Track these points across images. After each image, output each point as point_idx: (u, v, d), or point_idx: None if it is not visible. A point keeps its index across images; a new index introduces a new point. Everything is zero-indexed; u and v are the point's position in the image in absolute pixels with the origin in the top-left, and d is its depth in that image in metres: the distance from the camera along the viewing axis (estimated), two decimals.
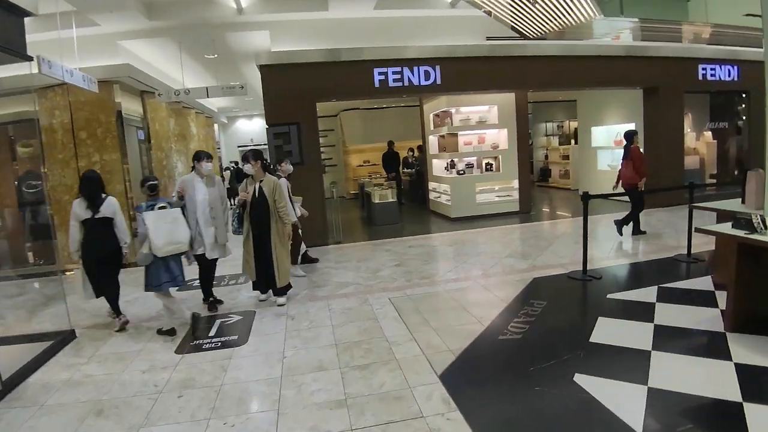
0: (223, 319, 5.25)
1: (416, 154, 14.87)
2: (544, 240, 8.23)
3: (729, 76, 11.49)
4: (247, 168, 5.32)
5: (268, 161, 7.25)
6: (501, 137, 11.15)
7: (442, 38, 9.46)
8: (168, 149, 11.22)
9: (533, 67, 9.86)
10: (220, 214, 5.40)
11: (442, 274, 6.50)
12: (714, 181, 12.05)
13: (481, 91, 10.26)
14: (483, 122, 11.09)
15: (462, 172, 10.98)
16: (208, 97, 9.53)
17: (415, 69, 9.23)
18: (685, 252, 6.57)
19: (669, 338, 4.04)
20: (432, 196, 12.44)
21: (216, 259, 5.56)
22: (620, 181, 8.29)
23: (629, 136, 8.40)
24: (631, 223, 8.18)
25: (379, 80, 9.08)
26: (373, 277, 6.55)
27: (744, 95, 12.06)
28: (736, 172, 12.33)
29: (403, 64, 9.16)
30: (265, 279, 5.50)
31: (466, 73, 9.49)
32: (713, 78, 11.34)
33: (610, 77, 10.41)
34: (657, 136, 11.05)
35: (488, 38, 9.69)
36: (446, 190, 11.36)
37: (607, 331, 4.24)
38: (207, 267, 5.55)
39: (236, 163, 19.97)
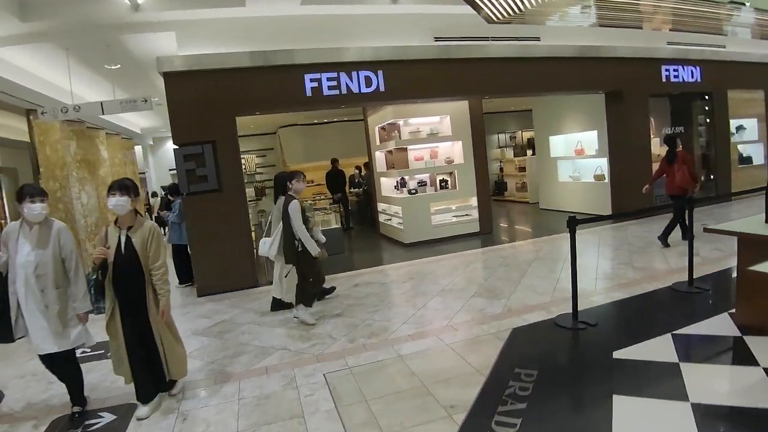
0: (88, 422, 3.60)
1: (363, 172, 13.50)
2: (514, 269, 6.98)
3: (692, 77, 10.81)
4: (114, 203, 3.48)
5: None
6: (456, 150, 9.95)
7: (384, 39, 8.18)
8: (64, 178, 9.34)
9: (488, 71, 8.72)
10: (51, 286, 3.43)
11: (396, 327, 5.06)
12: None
13: (432, 99, 9.03)
14: (435, 134, 9.86)
15: (414, 191, 9.67)
16: (103, 113, 7.79)
17: (354, 74, 7.88)
18: (685, 279, 5.45)
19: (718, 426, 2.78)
20: (382, 218, 11.06)
21: (66, 352, 3.61)
22: (650, 186, 8.03)
23: (672, 140, 7.71)
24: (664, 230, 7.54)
25: (312, 88, 7.66)
26: (306, 337, 5.04)
27: (706, 97, 11.41)
28: (709, 178, 11.66)
29: (339, 69, 7.79)
30: (150, 378, 3.69)
31: (413, 78, 8.23)
32: (677, 80, 10.62)
33: (570, 81, 9.43)
34: (622, 143, 10.15)
35: (437, 39, 8.49)
36: (397, 212, 10.00)
37: (632, 425, 2.92)
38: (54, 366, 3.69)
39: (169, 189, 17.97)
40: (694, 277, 5.39)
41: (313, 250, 5.23)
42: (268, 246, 5.62)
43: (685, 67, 10.69)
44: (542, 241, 8.84)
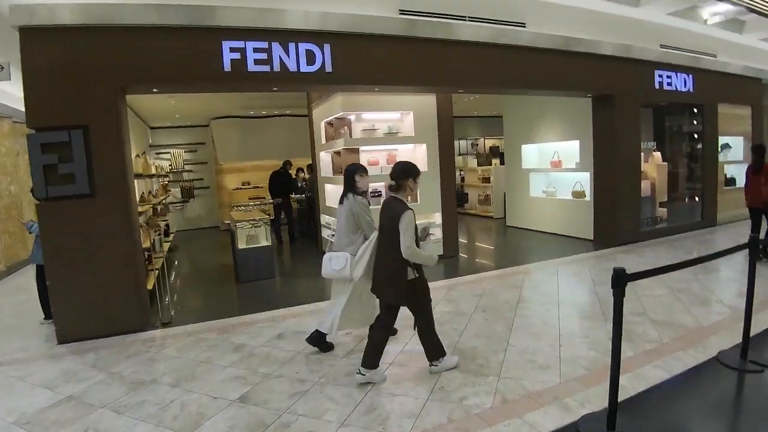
0: None
1: (306, 175, 11.50)
2: (495, 317, 5.20)
3: (685, 86, 9.51)
4: None
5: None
6: (419, 155, 8.15)
7: (335, 3, 6.26)
8: None
9: (462, 58, 6.97)
10: None
11: None
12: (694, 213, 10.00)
13: (392, 88, 7.20)
14: (394, 134, 8.03)
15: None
16: None
17: (292, 47, 5.90)
18: (736, 346, 3.85)
19: None
20: (326, 234, 9.09)
21: None
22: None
23: (761, 150, 7.35)
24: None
25: (232, 60, 5.62)
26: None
27: (695, 110, 10.18)
28: (695, 197, 10.45)
29: (271, 38, 5.79)
30: None
31: (369, 59, 6.36)
32: (670, 88, 9.28)
33: (556, 79, 7.83)
34: (610, 156, 8.68)
35: (402, 12, 6.66)
36: None
37: None
38: None
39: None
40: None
41: (430, 260, 3.70)
42: (342, 263, 4.12)
43: (678, 75, 9.37)
44: (520, 272, 7.16)
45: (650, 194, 9.84)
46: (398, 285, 3.58)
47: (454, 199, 8.54)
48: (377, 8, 6.47)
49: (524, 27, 7.47)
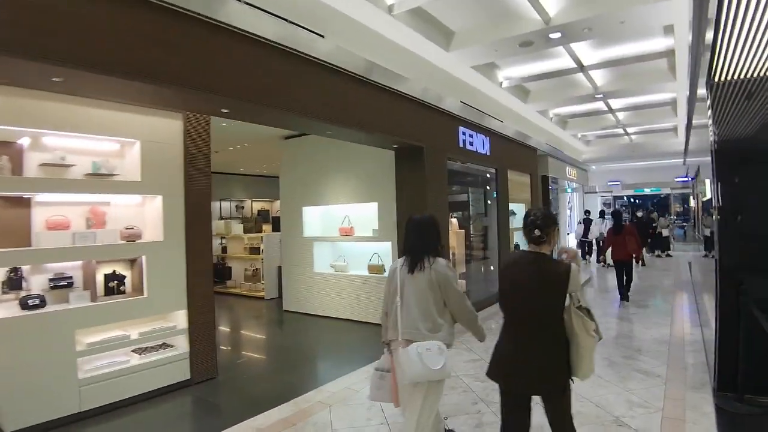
0: None
1: None
2: None
3: (483, 147, 8.56)
4: None
5: None
6: (148, 214, 4.93)
7: None
8: None
9: (229, 55, 4.24)
10: None
11: None
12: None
13: (102, 92, 3.99)
14: (105, 176, 4.67)
15: (38, 300, 4.13)
16: None
17: None
18: None
19: None
20: None
21: None
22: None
23: (619, 215, 8.15)
24: None
25: None
26: None
27: (488, 174, 9.39)
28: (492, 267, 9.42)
29: None
30: None
31: (63, 22, 3.13)
32: (471, 147, 8.16)
33: (356, 116, 5.68)
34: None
35: None
36: None
37: None
38: None
39: None
40: None
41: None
42: (442, 359, 2.76)
43: (477, 135, 8.39)
44: (315, 410, 4.41)
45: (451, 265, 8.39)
46: (559, 375, 2.57)
47: (210, 283, 5.42)
48: None
49: (322, 38, 5.20)
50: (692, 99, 8.06)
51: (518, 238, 10.79)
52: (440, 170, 7.22)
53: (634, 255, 8.66)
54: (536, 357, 2.57)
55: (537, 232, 2.63)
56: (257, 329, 8.20)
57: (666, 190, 21.30)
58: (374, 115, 5.93)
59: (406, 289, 2.99)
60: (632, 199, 24.14)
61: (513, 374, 2.64)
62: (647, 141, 16.54)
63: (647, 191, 22.59)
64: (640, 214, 13.14)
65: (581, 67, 8.54)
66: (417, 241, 3.07)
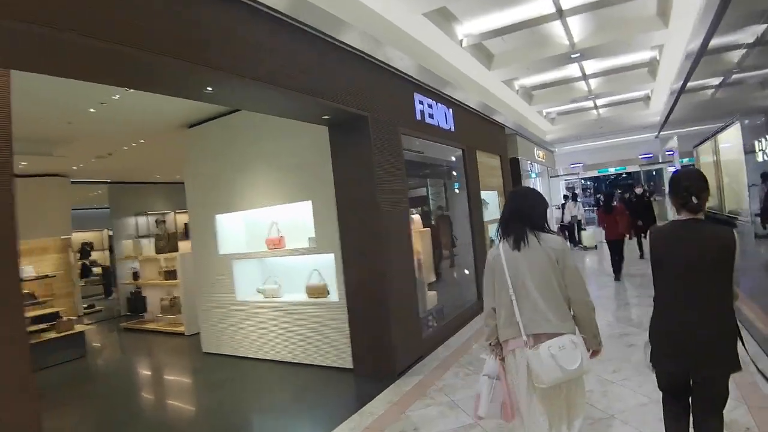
0: None
1: None
2: None
3: (446, 122, 6.66)
4: None
5: None
6: None
7: None
8: None
9: None
10: None
11: None
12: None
13: None
14: None
15: None
16: None
17: None
18: None
19: None
20: None
21: None
22: None
23: (610, 196, 8.12)
24: None
25: None
26: None
27: (453, 157, 7.50)
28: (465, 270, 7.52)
29: None
30: None
31: None
32: (432, 121, 6.24)
33: (271, 67, 3.61)
34: (369, 221, 4.88)
35: None
36: None
37: None
38: None
39: None
40: None
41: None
42: (578, 356, 2.36)
43: (438, 106, 6.48)
44: None
45: (417, 275, 6.42)
46: (733, 348, 2.34)
47: (26, 360, 3.19)
48: None
49: None
50: (701, 50, 6.46)
51: (492, 232, 8.98)
52: (393, 149, 5.24)
53: (626, 234, 8.98)
54: (708, 330, 2.32)
55: (694, 200, 2.39)
56: (160, 390, 5.98)
57: (633, 168, 20.16)
58: (299, 69, 3.89)
59: (516, 273, 2.49)
60: (613, 178, 23.08)
61: (685, 354, 2.35)
62: (616, 114, 15.19)
63: (611, 170, 21.46)
64: (639, 190, 11.69)
65: (560, 13, 6.77)
66: (521, 215, 2.56)
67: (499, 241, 2.63)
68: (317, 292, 5.72)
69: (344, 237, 5.06)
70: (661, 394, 2.59)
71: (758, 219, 4.62)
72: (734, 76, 8.32)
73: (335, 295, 5.43)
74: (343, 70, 4.54)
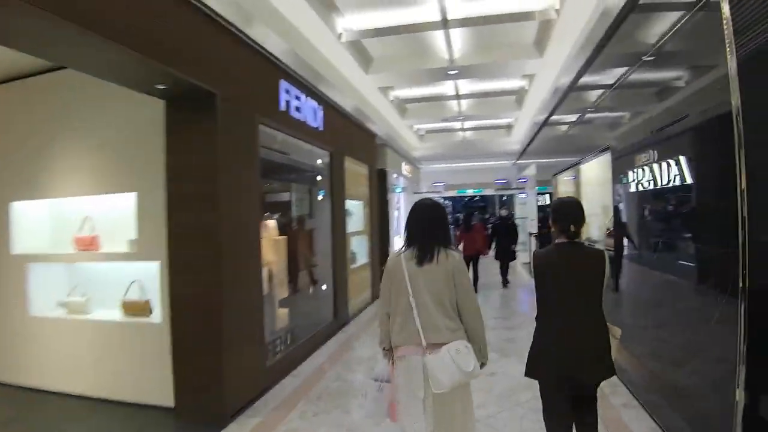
0: None
1: None
2: None
3: (315, 119, 5.93)
4: None
5: None
6: None
7: None
8: None
9: None
10: None
11: None
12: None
13: None
14: None
15: None
16: None
17: None
18: None
19: None
20: None
21: None
22: None
23: (470, 216, 8.27)
24: None
25: None
26: None
27: (320, 161, 6.79)
28: (322, 284, 6.77)
29: None
30: None
31: None
32: (298, 115, 5.46)
33: (93, 16, 2.58)
34: (208, 223, 3.95)
35: None
36: None
37: None
38: None
39: None
40: None
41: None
42: (472, 360, 2.52)
43: (308, 100, 5.73)
44: None
45: (267, 290, 5.52)
46: (608, 355, 2.68)
47: None
48: None
49: None
50: (572, 84, 6.61)
51: (355, 245, 8.42)
52: (247, 138, 4.36)
53: (482, 251, 9.71)
54: (586, 342, 2.62)
55: (572, 228, 2.72)
56: None
57: (489, 191, 21.39)
58: (131, 14, 2.87)
59: (416, 286, 2.59)
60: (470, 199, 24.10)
61: (567, 363, 2.62)
62: (479, 138, 15.82)
63: (470, 192, 22.53)
64: (504, 212, 11.91)
65: (444, 23, 6.47)
66: (428, 229, 2.67)
67: (402, 249, 2.69)
68: (136, 309, 4.55)
69: (174, 240, 4.02)
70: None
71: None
72: (588, 116, 8.89)
73: (158, 314, 4.34)
74: (191, 32, 3.60)
